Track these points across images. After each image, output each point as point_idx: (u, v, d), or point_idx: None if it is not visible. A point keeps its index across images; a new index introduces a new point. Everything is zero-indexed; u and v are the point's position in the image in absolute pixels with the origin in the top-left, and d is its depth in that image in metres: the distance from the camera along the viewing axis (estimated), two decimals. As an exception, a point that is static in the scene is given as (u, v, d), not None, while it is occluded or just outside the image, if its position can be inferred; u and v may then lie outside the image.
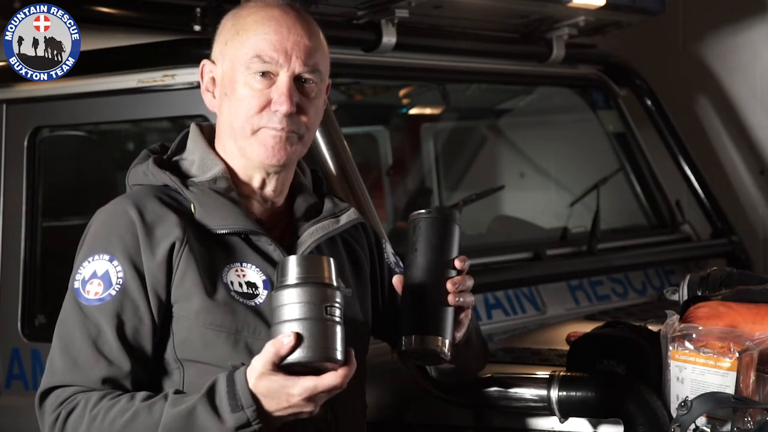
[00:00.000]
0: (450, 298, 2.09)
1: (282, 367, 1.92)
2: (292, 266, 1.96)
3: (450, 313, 2.09)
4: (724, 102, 4.71)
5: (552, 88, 4.44)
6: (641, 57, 4.54)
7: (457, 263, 2.11)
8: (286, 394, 1.93)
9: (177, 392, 2.03)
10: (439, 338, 2.07)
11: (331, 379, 1.93)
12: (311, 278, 1.95)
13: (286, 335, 1.91)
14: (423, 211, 2.14)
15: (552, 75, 4.18)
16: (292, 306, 1.93)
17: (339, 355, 1.93)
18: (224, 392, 1.96)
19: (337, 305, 1.95)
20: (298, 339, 1.90)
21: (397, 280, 2.14)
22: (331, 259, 2.00)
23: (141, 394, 2.03)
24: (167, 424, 1.97)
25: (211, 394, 1.97)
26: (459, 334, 2.13)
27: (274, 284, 2.00)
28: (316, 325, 1.92)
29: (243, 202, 2.18)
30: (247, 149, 2.17)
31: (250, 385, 1.94)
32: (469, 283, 2.12)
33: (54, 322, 2.14)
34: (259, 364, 1.93)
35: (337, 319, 1.94)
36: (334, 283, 1.97)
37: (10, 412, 3.33)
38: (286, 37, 2.14)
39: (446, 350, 2.08)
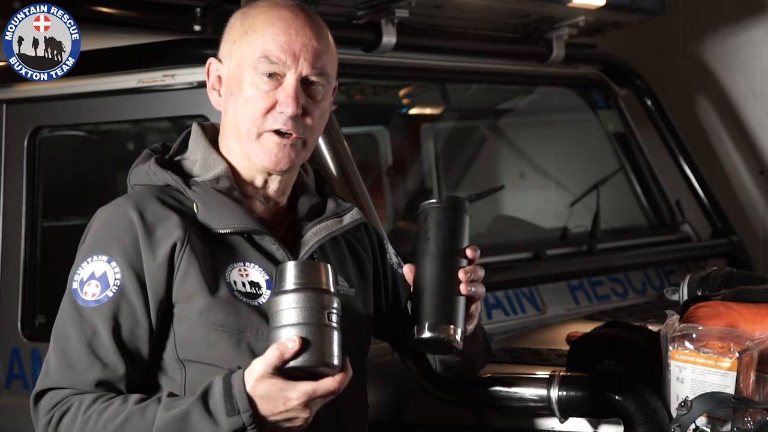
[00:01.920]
0: (462, 288, 2.08)
1: (281, 371, 1.93)
2: (291, 271, 1.97)
3: (462, 302, 2.10)
4: (724, 102, 4.71)
5: (552, 88, 4.44)
6: (641, 57, 4.54)
7: (469, 252, 2.12)
8: (284, 398, 1.93)
9: (171, 395, 2.03)
10: (452, 327, 2.07)
11: (329, 384, 1.94)
12: (311, 284, 1.96)
13: (291, 339, 1.91)
14: (434, 200, 2.15)
15: (552, 75, 4.18)
16: (291, 311, 1.94)
17: (336, 361, 1.94)
18: (220, 395, 1.95)
19: (335, 311, 1.96)
20: (302, 344, 1.91)
21: (407, 270, 2.14)
22: (329, 266, 2.01)
23: (134, 397, 2.03)
24: (160, 428, 1.96)
25: (205, 397, 1.96)
26: (470, 327, 2.13)
27: (273, 290, 2.00)
28: (317, 331, 1.93)
29: (246, 202, 2.18)
30: (251, 153, 2.17)
31: (248, 388, 1.94)
32: (481, 273, 2.12)
33: (54, 322, 2.13)
34: (260, 366, 1.93)
35: (336, 325, 1.96)
36: (332, 289, 1.98)
37: (10, 412, 3.33)
38: (295, 38, 2.14)
39: (459, 339, 2.08)
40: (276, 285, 1.99)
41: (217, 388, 1.96)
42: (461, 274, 2.09)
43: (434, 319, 2.07)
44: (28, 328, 3.40)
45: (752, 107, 4.67)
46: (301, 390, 1.93)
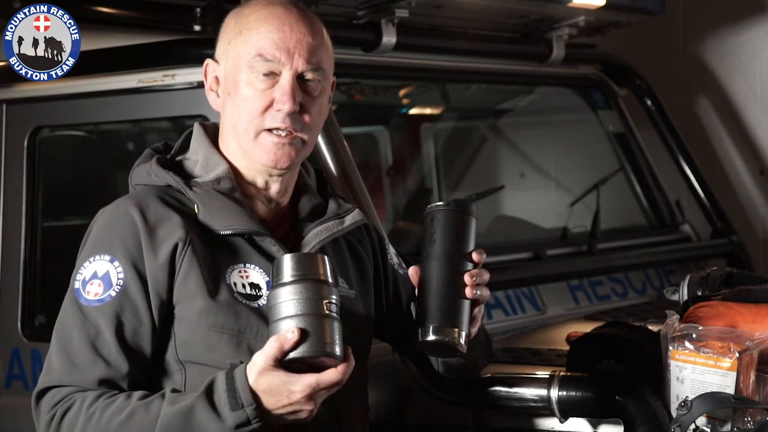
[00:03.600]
0: (467, 291, 2.09)
1: (282, 363, 1.92)
2: (288, 264, 1.96)
3: (467, 306, 2.10)
4: (724, 102, 4.71)
5: (552, 88, 4.44)
6: (641, 57, 4.54)
7: (475, 256, 2.12)
8: (288, 391, 1.92)
9: (174, 391, 2.03)
10: (456, 330, 2.08)
11: (331, 375, 1.93)
12: (308, 275, 1.95)
13: (290, 330, 1.90)
14: (441, 203, 2.15)
15: (552, 75, 4.18)
16: (289, 302, 1.93)
17: (338, 351, 1.94)
18: (223, 390, 1.95)
19: (334, 301, 1.96)
20: (302, 334, 1.90)
21: (413, 272, 2.14)
22: (326, 257, 2.00)
23: (138, 393, 2.03)
24: (165, 423, 1.96)
25: (209, 392, 1.96)
26: (474, 329, 2.13)
27: (271, 284, 2.00)
28: (316, 321, 1.92)
29: (247, 202, 2.18)
30: (250, 152, 2.17)
31: (251, 382, 1.93)
32: (486, 276, 2.12)
33: (54, 322, 2.13)
34: (261, 359, 1.92)
35: (335, 315, 1.95)
36: (330, 280, 1.97)
37: (10, 412, 3.33)
38: (289, 35, 2.14)
39: (463, 342, 2.08)
40: (274, 278, 1.98)
41: (221, 383, 1.96)
42: (467, 278, 2.09)
43: (439, 322, 2.07)
44: (28, 328, 3.40)
45: (752, 107, 4.68)
46: (304, 382, 1.92)
